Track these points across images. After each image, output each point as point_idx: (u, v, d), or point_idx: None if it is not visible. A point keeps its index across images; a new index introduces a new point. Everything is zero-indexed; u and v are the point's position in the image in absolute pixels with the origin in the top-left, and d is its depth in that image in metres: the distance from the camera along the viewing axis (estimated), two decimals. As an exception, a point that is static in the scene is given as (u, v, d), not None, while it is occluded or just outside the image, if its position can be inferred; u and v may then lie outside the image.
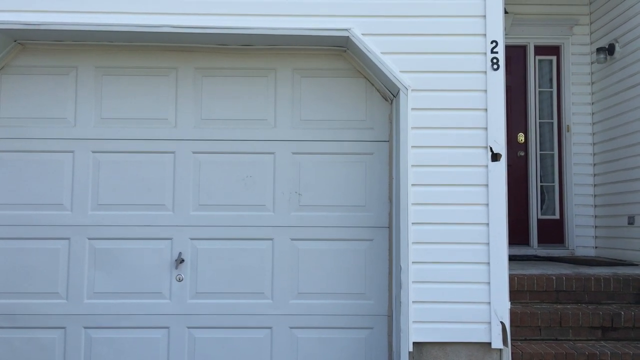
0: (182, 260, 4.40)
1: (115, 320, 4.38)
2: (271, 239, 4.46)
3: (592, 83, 7.18)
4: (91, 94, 4.49)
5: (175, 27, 4.20)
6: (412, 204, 4.18)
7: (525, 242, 7.19)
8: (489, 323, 4.13)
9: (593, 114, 7.14)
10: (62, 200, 4.42)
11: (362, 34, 4.25)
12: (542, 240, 7.19)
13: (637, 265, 6.07)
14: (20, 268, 4.37)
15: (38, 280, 4.37)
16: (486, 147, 4.21)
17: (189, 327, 4.39)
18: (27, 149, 4.43)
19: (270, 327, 4.42)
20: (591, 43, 7.22)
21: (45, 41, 4.43)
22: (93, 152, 4.45)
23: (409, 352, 4.11)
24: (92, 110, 4.48)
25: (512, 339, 4.47)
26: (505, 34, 4.26)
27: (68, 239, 4.40)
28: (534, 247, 7.16)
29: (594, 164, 7.10)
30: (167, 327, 4.39)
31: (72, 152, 4.45)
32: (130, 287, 4.40)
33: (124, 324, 4.38)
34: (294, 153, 4.51)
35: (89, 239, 4.41)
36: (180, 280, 4.41)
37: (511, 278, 4.99)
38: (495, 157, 4.20)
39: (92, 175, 4.45)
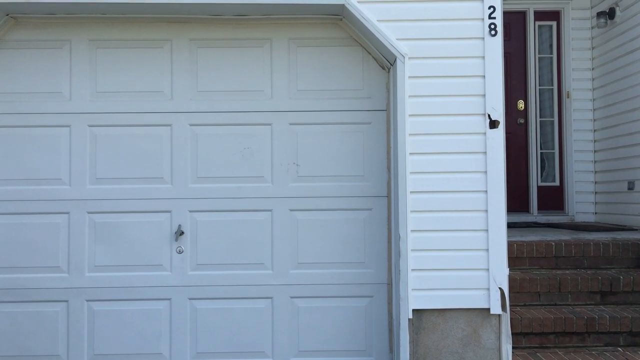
0: (182, 233, 4.42)
1: (117, 292, 4.41)
2: (270, 210, 4.47)
3: (593, 48, 7.10)
4: (86, 67, 4.46)
5: (168, -3, 4.15)
6: (411, 172, 4.17)
7: (525, 209, 7.21)
8: (488, 289, 4.16)
9: (593, 79, 7.08)
10: (60, 175, 4.42)
11: (358, 2, 4.19)
12: (542, 207, 7.20)
13: (636, 230, 6.08)
14: (21, 243, 4.39)
15: (39, 255, 4.40)
16: (484, 115, 4.19)
17: (190, 299, 4.43)
18: (23, 124, 4.41)
19: (270, 297, 4.45)
20: (591, 7, 7.12)
21: (38, 14, 4.38)
22: (89, 126, 4.44)
23: (409, 319, 4.15)
24: (87, 84, 4.45)
25: (511, 305, 4.51)
26: (504, 0, 4.19)
27: (67, 213, 4.41)
28: (534, 214, 7.18)
29: (594, 130, 7.07)
30: (169, 299, 4.43)
31: (68, 126, 4.43)
32: (131, 260, 4.42)
33: (126, 296, 4.41)
34: (291, 124, 4.49)
35: (89, 213, 4.42)
36: (180, 252, 4.43)
37: (511, 245, 5.01)
38: (493, 124, 4.18)
39: (90, 149, 4.44)
